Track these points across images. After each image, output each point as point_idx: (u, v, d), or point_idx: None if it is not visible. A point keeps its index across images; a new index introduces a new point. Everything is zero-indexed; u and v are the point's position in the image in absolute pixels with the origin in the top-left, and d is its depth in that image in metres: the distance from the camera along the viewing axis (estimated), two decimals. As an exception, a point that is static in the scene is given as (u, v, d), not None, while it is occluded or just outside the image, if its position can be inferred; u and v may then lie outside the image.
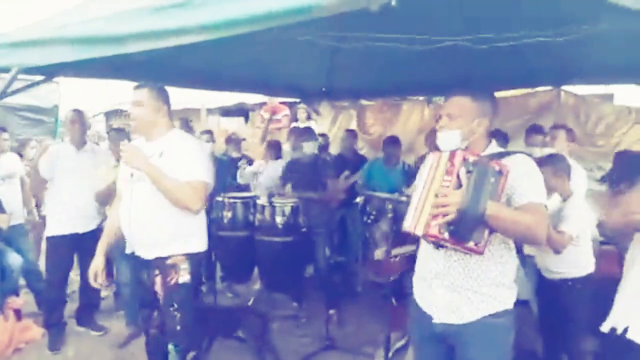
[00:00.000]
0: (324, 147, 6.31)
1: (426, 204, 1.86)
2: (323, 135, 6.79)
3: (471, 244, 1.80)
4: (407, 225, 1.93)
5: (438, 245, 1.96)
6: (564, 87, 5.87)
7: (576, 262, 2.95)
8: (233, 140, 6.52)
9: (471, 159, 1.80)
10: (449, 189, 1.77)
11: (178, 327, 2.70)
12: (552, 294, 3.04)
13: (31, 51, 2.81)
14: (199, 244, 2.82)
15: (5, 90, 3.33)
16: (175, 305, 2.69)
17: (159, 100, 2.72)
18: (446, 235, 1.78)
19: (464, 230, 1.77)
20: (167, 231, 2.69)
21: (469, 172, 1.77)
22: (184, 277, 2.70)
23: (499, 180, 1.79)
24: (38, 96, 7.67)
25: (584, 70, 4.17)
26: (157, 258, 2.71)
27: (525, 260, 2.18)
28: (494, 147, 2.04)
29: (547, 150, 3.65)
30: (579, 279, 2.94)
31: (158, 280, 2.71)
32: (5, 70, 3.18)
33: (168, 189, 2.57)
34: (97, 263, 2.79)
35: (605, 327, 2.30)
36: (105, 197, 3.87)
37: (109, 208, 3.83)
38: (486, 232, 1.81)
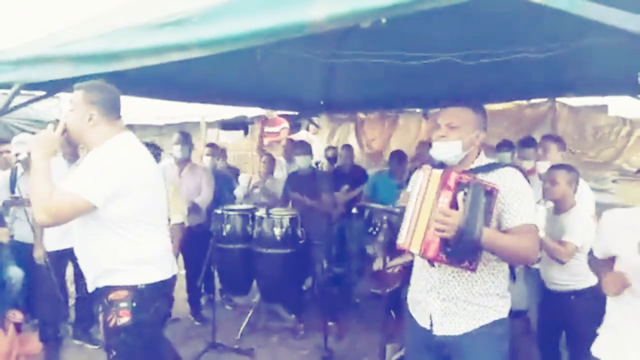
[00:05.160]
0: (333, 160, 6.46)
1: (419, 222, 1.89)
2: (333, 148, 6.99)
3: (466, 264, 1.85)
4: (402, 242, 1.96)
5: (431, 263, 2.01)
6: (559, 99, 5.94)
7: (580, 274, 2.87)
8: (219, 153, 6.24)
9: (465, 179, 1.82)
10: (446, 211, 1.78)
11: None
12: (556, 305, 3.01)
13: (33, 68, 2.86)
14: (154, 272, 2.24)
15: (7, 105, 3.39)
16: (114, 353, 2.19)
17: (94, 105, 2.20)
18: (444, 257, 1.82)
19: (461, 251, 1.81)
20: (106, 256, 2.17)
21: (464, 193, 1.78)
22: (123, 318, 2.13)
23: (491, 201, 1.82)
24: (39, 110, 7.77)
25: (576, 83, 4.22)
26: (96, 291, 2.23)
27: (518, 272, 2.19)
28: (483, 159, 2.07)
29: (542, 164, 3.64)
30: (583, 290, 2.88)
31: (101, 319, 2.23)
32: (8, 86, 3.24)
33: (33, 191, 2.05)
34: None
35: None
36: None
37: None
38: (480, 252, 1.86)
